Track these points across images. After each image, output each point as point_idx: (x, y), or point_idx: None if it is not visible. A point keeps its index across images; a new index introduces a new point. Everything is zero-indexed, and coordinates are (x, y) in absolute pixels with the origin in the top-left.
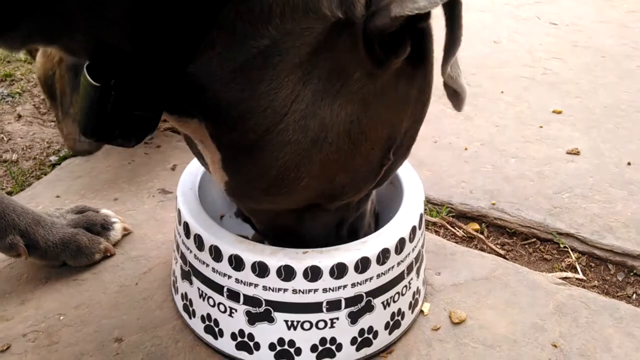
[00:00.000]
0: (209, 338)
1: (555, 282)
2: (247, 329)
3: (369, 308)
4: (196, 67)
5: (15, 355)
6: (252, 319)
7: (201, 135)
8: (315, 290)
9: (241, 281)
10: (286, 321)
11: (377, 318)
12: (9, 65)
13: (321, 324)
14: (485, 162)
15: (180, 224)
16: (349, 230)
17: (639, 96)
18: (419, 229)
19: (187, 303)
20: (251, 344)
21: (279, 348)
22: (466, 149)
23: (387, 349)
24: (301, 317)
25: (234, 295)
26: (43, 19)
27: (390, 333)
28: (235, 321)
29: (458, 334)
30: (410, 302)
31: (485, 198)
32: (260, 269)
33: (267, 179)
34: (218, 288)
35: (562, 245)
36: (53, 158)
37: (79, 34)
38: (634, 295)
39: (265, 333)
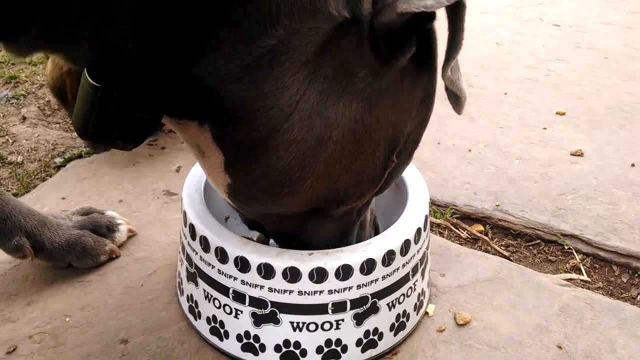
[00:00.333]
0: (214, 339)
1: (560, 284)
2: (253, 331)
3: (374, 309)
4: (202, 67)
5: (22, 356)
6: (258, 320)
7: (200, 139)
8: (321, 292)
9: (247, 283)
10: (292, 322)
11: (382, 319)
12: (14, 68)
13: (327, 326)
14: (489, 163)
15: (185, 226)
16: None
17: None
18: (424, 230)
19: (193, 304)
20: (257, 345)
21: (284, 349)
22: (470, 150)
23: (392, 350)
24: (307, 318)
25: (239, 297)
26: (48, 22)
27: (395, 334)
28: (241, 322)
29: (463, 336)
30: (415, 303)
31: (489, 199)
32: (266, 271)
33: (271, 179)
34: (224, 289)
35: (566, 247)
36: (58, 160)
37: (83, 40)
38: (639, 297)
39: (270, 334)
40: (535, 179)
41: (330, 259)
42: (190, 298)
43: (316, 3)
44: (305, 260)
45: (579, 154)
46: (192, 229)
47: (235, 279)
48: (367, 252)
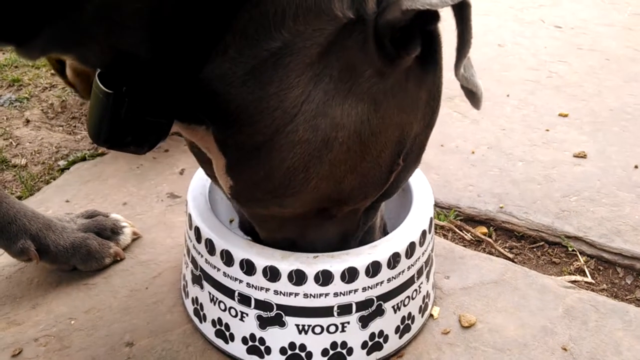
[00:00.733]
0: (219, 342)
1: (564, 286)
2: (258, 333)
3: (380, 312)
4: (209, 71)
5: (27, 359)
6: (263, 323)
7: (208, 142)
8: (327, 295)
9: (252, 285)
10: (297, 325)
11: (387, 322)
12: (17, 71)
13: (332, 328)
14: (492, 165)
15: (191, 229)
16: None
17: None
18: (429, 232)
19: (198, 307)
20: (262, 348)
21: (290, 352)
22: (473, 152)
23: (398, 352)
24: (312, 321)
25: (245, 300)
26: (61, 27)
27: (400, 337)
28: (246, 325)
29: (468, 338)
30: (420, 306)
31: (493, 201)
32: (272, 273)
33: (274, 180)
34: (229, 292)
35: (570, 249)
36: (62, 162)
37: (94, 43)
38: None
39: (276, 337)
40: (538, 180)
41: (336, 262)
42: (195, 301)
43: (321, 4)
44: (311, 263)
45: (582, 156)
46: (198, 232)
47: (240, 281)
48: (373, 255)
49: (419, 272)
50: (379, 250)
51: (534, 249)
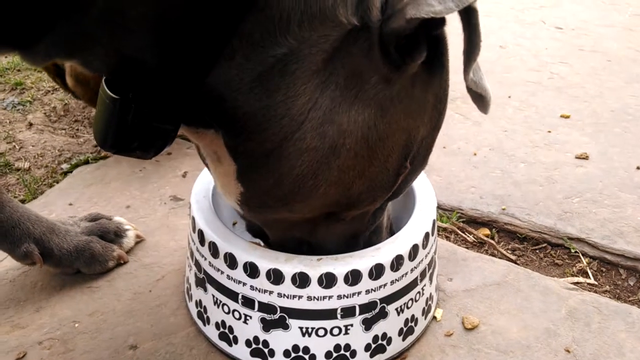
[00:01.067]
0: (223, 345)
1: (567, 287)
2: (262, 336)
3: (383, 314)
4: (215, 77)
5: None
6: (267, 325)
7: (216, 146)
8: (330, 297)
9: (256, 288)
10: (301, 328)
11: (390, 324)
12: (19, 74)
13: (335, 331)
14: (494, 167)
15: (194, 232)
16: (365, 245)
17: None
18: (432, 235)
19: (202, 310)
20: (266, 350)
21: (293, 355)
22: (475, 154)
23: (401, 355)
24: (316, 323)
25: (248, 302)
26: (65, 31)
27: (403, 339)
28: (250, 328)
29: (471, 340)
30: (424, 308)
31: (495, 203)
32: (275, 276)
33: (284, 187)
34: (233, 295)
35: (573, 250)
36: (65, 166)
37: (99, 48)
38: None
39: (280, 340)
40: (540, 182)
41: (339, 264)
42: (199, 303)
43: (325, 11)
44: (314, 266)
45: (584, 157)
46: (201, 235)
47: (244, 284)
48: (376, 257)
49: (422, 275)
50: (382, 252)
51: (537, 251)
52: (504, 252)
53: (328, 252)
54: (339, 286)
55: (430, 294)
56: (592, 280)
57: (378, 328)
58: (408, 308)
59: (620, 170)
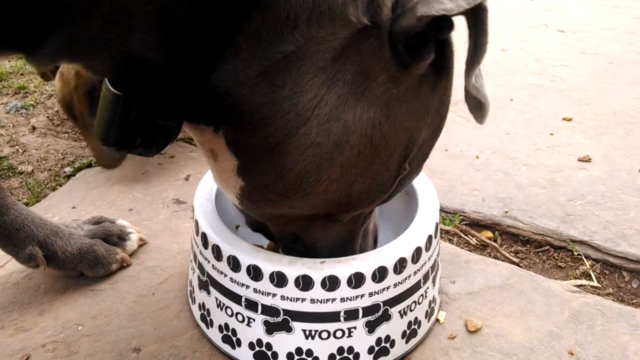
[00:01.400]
0: (226, 347)
1: (570, 290)
2: (265, 339)
3: (386, 317)
4: (220, 73)
5: None
6: (270, 328)
7: (215, 143)
8: (333, 300)
9: (259, 291)
10: (304, 330)
11: (394, 327)
12: (23, 78)
13: (339, 333)
14: (496, 170)
15: (197, 235)
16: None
17: None
18: (435, 237)
19: (205, 313)
20: (269, 353)
21: (296, 357)
22: (477, 157)
23: (404, 357)
24: (319, 326)
25: (252, 305)
26: (70, 33)
27: (407, 342)
28: (253, 331)
29: (474, 343)
30: (427, 310)
31: (497, 206)
32: (279, 279)
33: (286, 181)
34: (236, 298)
35: (575, 253)
36: (68, 169)
37: (104, 50)
38: None
39: (283, 342)
40: (543, 185)
41: (343, 267)
42: (202, 306)
43: (335, 10)
44: (318, 269)
45: (586, 160)
46: (204, 238)
47: (247, 287)
48: (379, 260)
49: (425, 277)
50: (386, 255)
51: (540, 253)
52: (507, 254)
53: (320, 254)
54: (342, 289)
55: (434, 296)
56: (595, 283)
57: (381, 331)
58: (411, 311)
59: (623, 172)
